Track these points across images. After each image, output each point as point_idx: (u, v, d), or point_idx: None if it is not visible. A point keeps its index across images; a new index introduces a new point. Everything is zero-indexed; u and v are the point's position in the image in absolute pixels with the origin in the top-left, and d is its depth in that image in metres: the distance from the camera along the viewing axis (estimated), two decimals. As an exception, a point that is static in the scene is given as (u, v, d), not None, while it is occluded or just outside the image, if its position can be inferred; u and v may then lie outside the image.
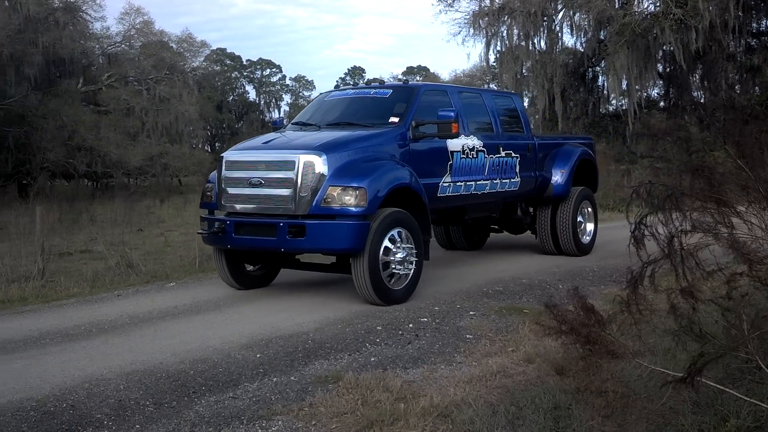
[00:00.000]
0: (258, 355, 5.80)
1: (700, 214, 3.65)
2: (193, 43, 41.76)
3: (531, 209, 11.15)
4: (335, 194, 7.28)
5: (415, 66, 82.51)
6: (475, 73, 52.08)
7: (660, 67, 25.50)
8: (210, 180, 8.38)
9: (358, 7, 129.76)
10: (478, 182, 9.35)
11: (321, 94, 10.39)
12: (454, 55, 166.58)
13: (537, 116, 29.36)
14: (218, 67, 68.76)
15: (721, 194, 3.58)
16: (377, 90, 9.30)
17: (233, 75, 74.55)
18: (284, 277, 9.08)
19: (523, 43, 25.70)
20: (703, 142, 4.14)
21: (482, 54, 33.11)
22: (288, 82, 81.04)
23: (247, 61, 76.69)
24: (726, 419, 3.60)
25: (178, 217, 20.64)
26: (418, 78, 70.24)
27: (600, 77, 27.44)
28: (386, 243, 7.46)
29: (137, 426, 4.38)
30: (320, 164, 7.37)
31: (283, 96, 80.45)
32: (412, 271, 7.74)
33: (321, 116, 9.21)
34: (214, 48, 64.53)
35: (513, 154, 10.02)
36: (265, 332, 6.51)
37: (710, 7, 20.90)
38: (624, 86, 24.70)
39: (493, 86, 47.90)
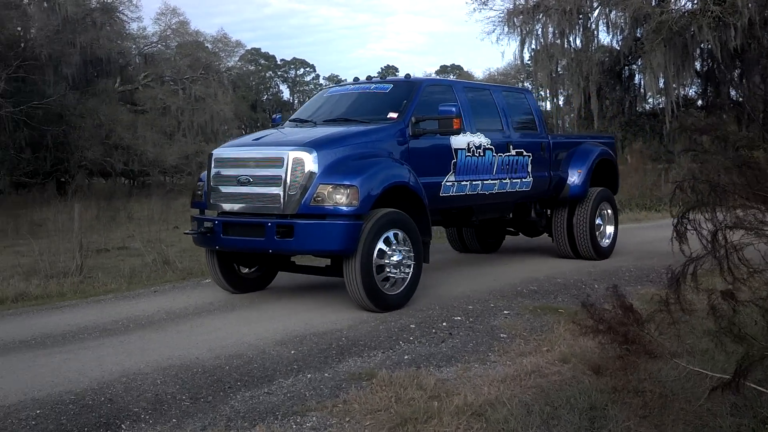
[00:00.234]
0: (292, 352, 5.83)
1: (743, 211, 3.59)
2: (228, 43, 42.10)
3: (547, 211, 10.70)
4: (325, 193, 6.91)
5: (448, 65, 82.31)
6: (509, 71, 51.84)
7: (698, 65, 25.20)
8: (201, 178, 8.06)
9: (392, 6, 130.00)
10: (485, 182, 8.91)
11: (322, 89, 10.17)
12: (488, 53, 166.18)
13: (572, 115, 29.14)
14: (252, 67, 69.26)
15: (766, 191, 3.50)
16: (377, 85, 8.94)
17: (267, 74, 75.10)
18: (318, 276, 9.09)
19: (558, 41, 25.56)
20: (745, 140, 4.07)
21: (517, 52, 33.02)
22: (321, 81, 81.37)
23: (281, 60, 77.30)
24: (765, 422, 3.55)
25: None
26: (451, 77, 70.07)
27: (636, 75, 27.18)
28: (380, 245, 7.08)
29: (174, 420, 4.42)
30: (310, 161, 7.03)
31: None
32: (409, 274, 7.37)
33: (319, 112, 8.86)
34: (249, 48, 65.11)
35: (525, 153, 9.57)
36: (299, 329, 6.54)
37: (749, 4, 20.59)
38: (661, 84, 24.44)
39: (527, 85, 47.66)
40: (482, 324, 6.69)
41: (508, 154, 9.27)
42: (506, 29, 25.66)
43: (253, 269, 8.48)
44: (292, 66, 78.29)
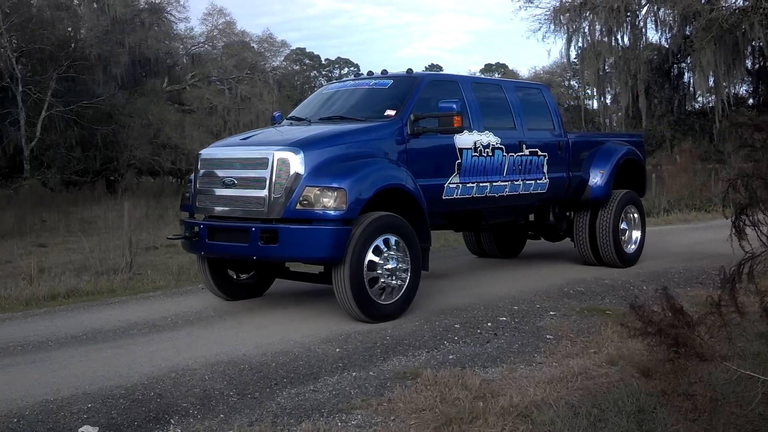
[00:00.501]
0: (337, 350, 5.86)
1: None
2: (274, 43, 42.38)
3: (570, 214, 10.05)
4: (312, 196, 6.47)
5: (493, 63, 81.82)
6: (555, 69, 51.36)
7: (748, 63, 24.70)
8: (191, 180, 7.67)
9: (437, 5, 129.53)
10: (494, 183, 8.34)
11: (322, 86, 9.85)
12: (534, 51, 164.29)
13: (620, 113, 28.79)
14: (297, 67, 69.75)
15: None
16: (377, 81, 8.38)
17: (312, 74, 75.50)
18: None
19: (605, 39, 25.28)
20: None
21: (563, 50, 32.64)
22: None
23: (326, 60, 77.58)
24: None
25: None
26: (496, 75, 69.69)
27: (686, 74, 26.79)
28: (372, 251, 6.64)
29: (221, 415, 4.48)
30: (296, 162, 6.60)
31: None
32: (406, 283, 6.92)
33: (315, 110, 8.42)
34: (294, 48, 65.49)
35: (540, 153, 8.97)
36: (344, 327, 6.58)
37: (803, 1, 20.12)
38: (711, 83, 24.02)
39: (574, 83, 47.15)
40: (528, 325, 6.65)
41: (520, 153, 8.70)
42: (552, 27, 25.49)
43: (249, 275, 8.11)
44: (337, 65, 78.56)
